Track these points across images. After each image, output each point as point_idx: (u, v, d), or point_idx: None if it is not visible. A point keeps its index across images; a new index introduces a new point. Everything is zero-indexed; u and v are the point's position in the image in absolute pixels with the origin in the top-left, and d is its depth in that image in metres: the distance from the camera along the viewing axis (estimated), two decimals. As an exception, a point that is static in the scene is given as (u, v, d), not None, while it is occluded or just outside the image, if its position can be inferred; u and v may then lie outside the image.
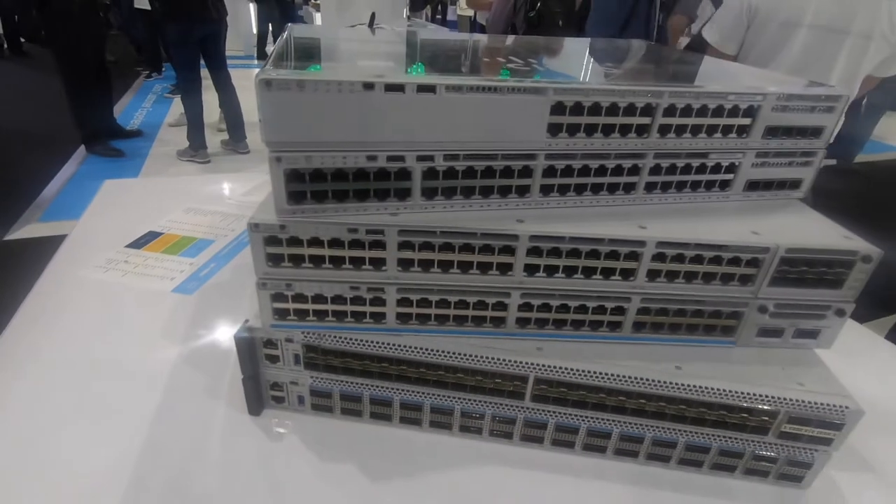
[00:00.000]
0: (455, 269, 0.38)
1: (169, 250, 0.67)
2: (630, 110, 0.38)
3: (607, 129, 0.38)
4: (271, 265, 0.38)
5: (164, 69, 5.25)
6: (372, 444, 0.43)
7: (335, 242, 0.37)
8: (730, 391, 0.38)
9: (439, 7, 9.53)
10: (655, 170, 0.41)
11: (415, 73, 0.37)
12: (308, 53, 0.47)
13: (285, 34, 0.48)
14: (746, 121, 0.40)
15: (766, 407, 0.38)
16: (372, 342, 0.40)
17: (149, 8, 4.49)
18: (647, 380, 0.39)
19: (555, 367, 0.39)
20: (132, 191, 0.85)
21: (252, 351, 0.42)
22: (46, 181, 2.97)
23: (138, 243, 0.68)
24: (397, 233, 0.37)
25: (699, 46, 1.46)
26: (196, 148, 3.31)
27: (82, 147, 3.38)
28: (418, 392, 0.42)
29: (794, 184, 0.45)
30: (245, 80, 5.71)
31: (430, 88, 0.34)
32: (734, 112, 0.40)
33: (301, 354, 0.42)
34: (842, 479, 0.43)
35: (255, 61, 6.19)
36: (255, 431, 0.44)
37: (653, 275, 0.39)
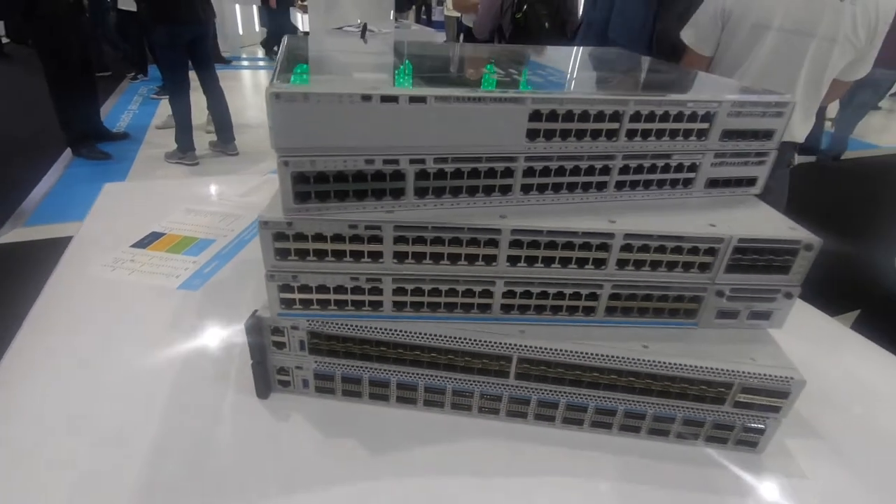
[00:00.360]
0: (445, 261, 0.43)
1: (172, 249, 0.71)
2: (600, 117, 0.42)
3: (580, 134, 0.42)
4: (279, 259, 0.42)
5: (149, 71, 5.22)
6: (371, 423, 0.47)
7: (337, 237, 0.41)
8: (691, 366, 0.43)
9: (423, 8, 9.56)
10: (624, 170, 0.45)
11: (407, 85, 0.41)
12: (314, 66, 0.50)
13: (283, 45, 0.52)
14: (705, 125, 0.45)
15: (722, 379, 0.43)
16: (371, 328, 0.44)
17: (134, 9, 4.47)
18: (618, 357, 0.43)
19: (536, 348, 0.44)
20: (132, 193, 0.88)
21: (260, 338, 0.46)
22: (32, 185, 2.95)
23: (142, 243, 0.72)
24: (393, 228, 0.41)
25: None
26: (184, 150, 3.31)
27: (68, 150, 3.36)
28: (413, 373, 0.46)
29: (750, 181, 0.50)
30: (232, 81, 5.68)
31: (421, 99, 0.38)
32: (693, 118, 0.44)
33: (306, 340, 0.46)
34: (793, 446, 0.48)
35: (244, 62, 6.22)
36: (263, 413, 0.48)
37: (622, 264, 0.44)
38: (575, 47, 0.71)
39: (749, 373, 0.43)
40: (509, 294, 0.44)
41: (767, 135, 0.48)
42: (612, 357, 0.43)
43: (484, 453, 0.46)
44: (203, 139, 3.57)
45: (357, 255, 0.42)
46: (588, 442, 0.47)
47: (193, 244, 0.72)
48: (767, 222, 0.46)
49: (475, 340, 0.44)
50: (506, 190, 0.43)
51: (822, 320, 0.69)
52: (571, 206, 0.45)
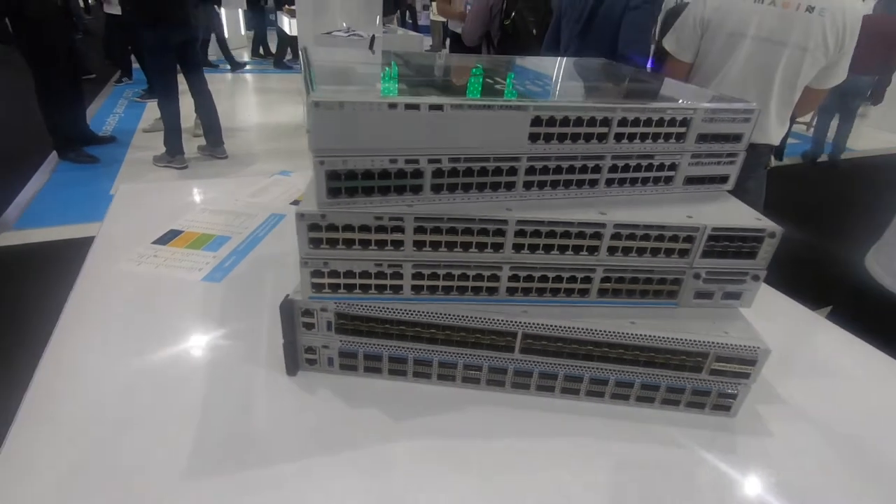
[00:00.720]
0: (458, 249, 0.48)
1: (192, 245, 0.75)
2: (591, 122, 0.48)
3: (575, 137, 0.49)
4: (312, 247, 0.47)
5: (133, 74, 5.19)
6: (390, 396, 0.53)
7: (364, 228, 0.47)
8: (672, 338, 0.49)
9: (408, 13, 9.62)
10: (613, 168, 0.52)
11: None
12: (341, 77, 0.56)
13: (306, 57, 0.58)
14: (682, 130, 0.52)
15: (699, 349, 0.50)
16: (392, 309, 0.50)
17: (118, 13, 4.45)
18: (610, 332, 0.50)
19: (538, 324, 0.50)
20: (147, 195, 0.92)
21: (292, 319, 0.51)
22: (18, 189, 2.93)
23: (163, 240, 0.76)
24: (413, 220, 0.47)
25: None
26: (173, 154, 3.32)
27: (54, 154, 3.34)
28: (429, 350, 0.52)
29: (723, 178, 0.57)
30: (220, 85, 5.66)
31: (438, 107, 0.44)
32: (672, 123, 0.51)
33: (333, 321, 0.51)
34: (762, 410, 0.55)
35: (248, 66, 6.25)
36: (293, 388, 0.53)
37: (612, 250, 0.50)
38: (567, 58, 0.78)
39: (722, 344, 0.49)
40: (514, 278, 0.50)
41: (737, 138, 0.54)
42: (604, 332, 0.50)
43: (491, 420, 0.51)
44: (191, 143, 3.57)
45: (381, 244, 0.48)
46: (584, 409, 0.53)
47: (211, 241, 0.77)
48: (737, 214, 0.52)
49: (484, 319, 0.50)
50: (511, 186, 0.49)
51: (795, 309, 0.76)
52: (568, 200, 0.51)
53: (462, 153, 0.47)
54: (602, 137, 0.49)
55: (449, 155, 0.46)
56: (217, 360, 0.55)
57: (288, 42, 6.22)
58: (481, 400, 0.53)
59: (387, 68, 0.62)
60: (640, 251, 0.50)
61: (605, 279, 0.51)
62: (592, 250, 0.50)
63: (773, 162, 1.69)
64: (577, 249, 0.50)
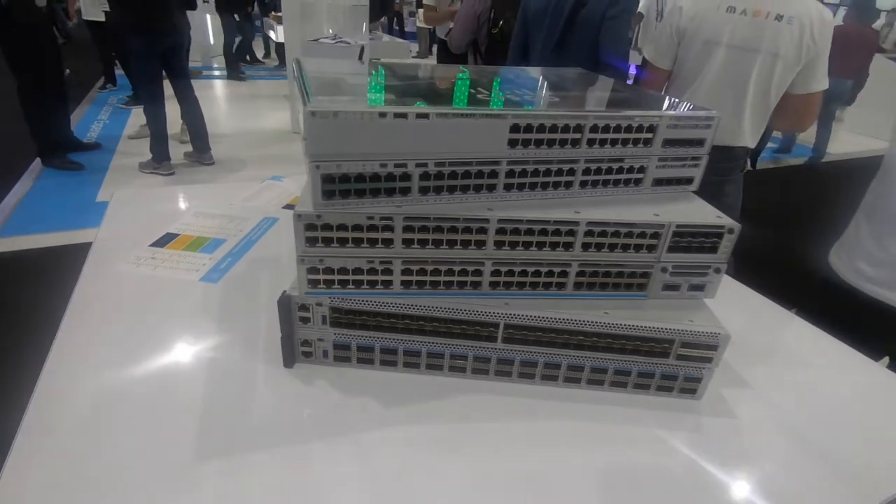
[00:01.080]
0: (444, 246, 0.52)
1: (188, 248, 0.78)
2: (566, 129, 0.53)
3: (550, 142, 0.53)
4: (308, 245, 0.51)
5: (118, 80, 5.16)
6: (382, 385, 0.56)
7: (356, 227, 0.50)
8: (642, 326, 0.54)
9: (395, 19, 9.69)
10: (586, 171, 0.56)
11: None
12: (334, 87, 0.60)
13: (300, 68, 0.61)
14: (649, 135, 0.56)
15: (666, 336, 0.54)
16: (383, 303, 0.54)
17: (101, 20, 4.44)
18: (585, 321, 0.54)
19: (519, 315, 0.54)
20: (141, 200, 0.95)
21: (289, 313, 0.54)
22: (1, 196, 2.91)
23: (160, 243, 0.79)
24: (402, 220, 0.51)
25: None
26: (160, 160, 3.32)
27: (37, 161, 3.32)
28: (417, 341, 0.56)
29: (688, 180, 0.61)
30: (206, 91, 5.64)
31: (424, 116, 0.48)
32: (640, 129, 0.55)
33: (327, 315, 0.54)
34: (726, 394, 0.60)
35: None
36: (290, 379, 0.56)
37: (586, 246, 0.54)
38: (547, 69, 0.83)
39: (687, 330, 0.54)
40: (496, 273, 0.54)
41: (700, 142, 0.59)
42: (580, 322, 0.54)
43: (477, 406, 0.55)
44: (178, 149, 3.57)
45: (372, 242, 0.51)
46: (562, 395, 0.57)
47: (207, 243, 0.80)
48: (700, 212, 0.57)
49: (469, 311, 0.54)
50: (492, 188, 0.53)
51: (763, 303, 0.81)
52: (545, 200, 0.55)
53: (447, 158, 0.51)
54: (576, 143, 0.54)
55: (435, 159, 0.50)
56: (217, 355, 0.58)
57: (245, 49, 6.25)
58: (467, 387, 0.57)
59: (373, 78, 0.65)
60: (612, 247, 0.55)
61: (580, 273, 0.56)
62: (568, 246, 0.54)
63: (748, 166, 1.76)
64: (554, 246, 0.54)
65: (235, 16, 5.98)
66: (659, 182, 0.60)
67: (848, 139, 5.54)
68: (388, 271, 0.53)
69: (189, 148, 3.55)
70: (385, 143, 0.48)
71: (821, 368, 0.68)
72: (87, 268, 0.72)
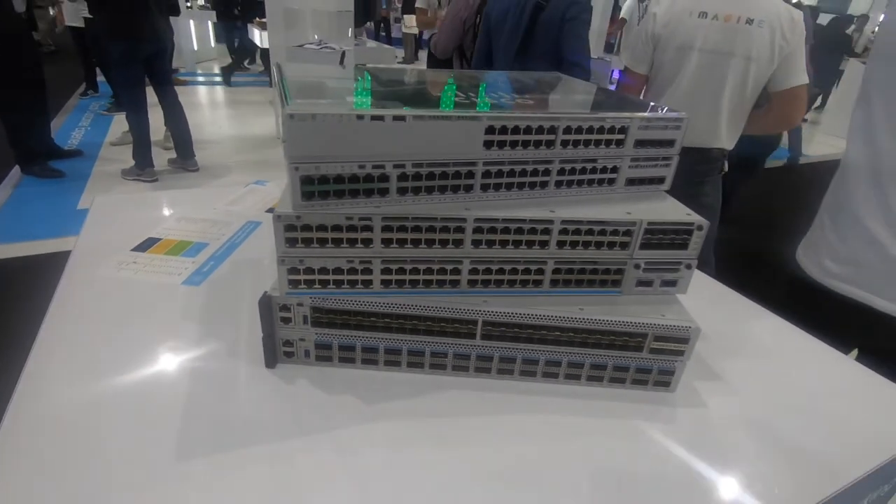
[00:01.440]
0: (423, 245, 0.53)
1: (171, 252, 0.78)
2: (540, 130, 0.54)
3: (525, 144, 0.54)
4: (288, 246, 0.52)
5: (98, 86, 5.11)
6: (364, 383, 0.57)
7: (336, 228, 0.51)
8: (616, 321, 0.55)
9: (382, 25, 9.72)
10: (561, 171, 0.57)
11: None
12: (313, 91, 0.61)
13: (280, 73, 0.62)
14: (621, 136, 0.58)
15: (640, 331, 0.56)
16: (363, 302, 0.55)
17: (80, 25, 4.39)
18: (561, 317, 0.55)
19: (497, 312, 0.55)
20: (123, 205, 0.95)
21: (270, 314, 0.55)
22: (-21, 204, 2.86)
23: (142, 247, 0.79)
24: (381, 220, 0.52)
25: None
26: (142, 167, 3.29)
27: (16, 168, 3.27)
28: (398, 339, 0.57)
29: (660, 180, 0.63)
30: (191, 97, 5.60)
31: (401, 118, 0.49)
32: (612, 130, 0.57)
33: (309, 315, 0.55)
34: (698, 386, 0.61)
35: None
36: (272, 379, 0.57)
37: (561, 244, 0.56)
38: (526, 73, 0.84)
39: (659, 325, 0.56)
40: (474, 271, 0.56)
41: (670, 143, 0.61)
42: (556, 317, 0.55)
43: (458, 403, 0.56)
44: (161, 155, 3.54)
45: (352, 242, 0.52)
46: (541, 389, 0.59)
47: (189, 247, 0.80)
48: (670, 210, 0.59)
49: (448, 308, 0.55)
50: (469, 188, 0.55)
51: (736, 298, 0.83)
52: (521, 200, 0.57)
53: (424, 159, 0.52)
54: (550, 144, 0.55)
55: (412, 161, 0.51)
56: (199, 356, 0.59)
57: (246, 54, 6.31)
58: (448, 384, 0.58)
59: (359, 83, 0.67)
60: (586, 244, 0.56)
61: (556, 270, 0.57)
62: (543, 245, 0.55)
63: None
64: (530, 244, 0.55)
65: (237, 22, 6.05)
66: (632, 182, 0.62)
67: (825, 141, 5.69)
68: (368, 271, 0.54)
69: (173, 154, 3.53)
70: (363, 145, 0.49)
71: (790, 361, 0.70)
72: (66, 273, 0.72)
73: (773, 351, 0.72)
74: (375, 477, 0.47)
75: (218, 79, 6.28)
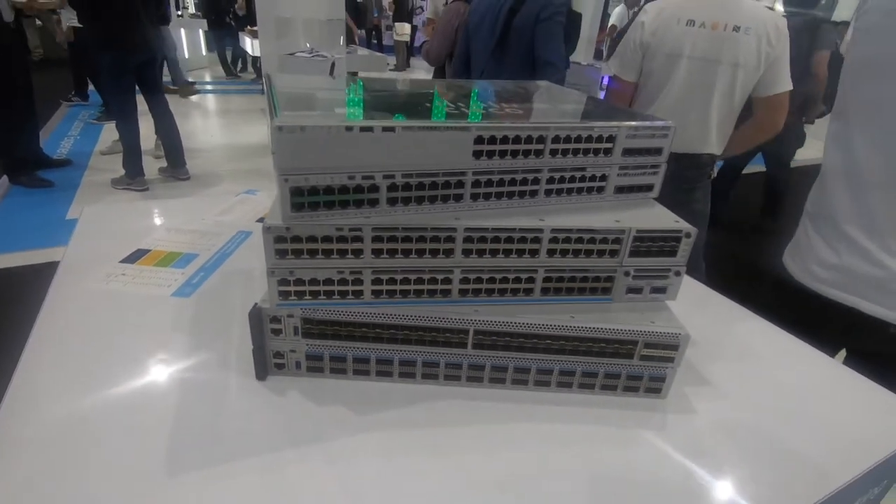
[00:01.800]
0: (413, 255, 0.53)
1: (160, 263, 0.78)
2: (529, 140, 0.55)
3: (514, 153, 0.55)
4: (278, 258, 0.51)
5: (89, 95, 5.08)
6: (355, 394, 0.57)
7: (326, 239, 0.51)
8: (607, 328, 0.56)
9: (374, 33, 9.75)
10: (550, 180, 0.58)
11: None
12: (302, 102, 0.61)
13: (269, 83, 0.62)
14: (609, 145, 0.58)
15: (630, 338, 0.56)
16: (354, 312, 0.54)
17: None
18: (552, 325, 0.55)
19: (488, 321, 0.55)
20: (111, 216, 0.94)
21: (261, 326, 0.55)
22: (-34, 215, 2.83)
23: (131, 259, 0.78)
24: (371, 230, 0.52)
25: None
26: (133, 176, 3.27)
27: (4, 178, 3.24)
28: (389, 350, 0.57)
29: (648, 187, 0.64)
30: (181, 106, 5.59)
31: (391, 129, 0.49)
32: (600, 139, 0.58)
33: (299, 326, 0.55)
34: (688, 391, 0.62)
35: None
36: (263, 391, 0.56)
37: (551, 253, 0.56)
38: (508, 81, 0.85)
39: (649, 332, 0.56)
40: (465, 280, 0.56)
41: (658, 151, 0.62)
42: (548, 326, 0.55)
43: (450, 412, 0.56)
44: (152, 164, 3.52)
45: (342, 253, 0.52)
46: (532, 397, 0.59)
47: (179, 258, 0.80)
48: (659, 218, 0.59)
49: (439, 318, 0.55)
50: (459, 198, 0.55)
51: (725, 303, 0.84)
52: (510, 209, 0.57)
53: (414, 169, 0.52)
54: (539, 153, 0.56)
55: (402, 171, 0.52)
56: (189, 369, 0.58)
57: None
58: (440, 394, 0.58)
59: (351, 92, 0.67)
60: (576, 253, 0.57)
61: (547, 279, 0.57)
62: (533, 253, 0.56)
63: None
64: (520, 253, 0.55)
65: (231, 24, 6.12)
66: (620, 189, 0.62)
67: (817, 146, 5.74)
68: (359, 281, 0.54)
69: (164, 163, 3.51)
70: (353, 156, 0.49)
71: (779, 364, 0.71)
72: (54, 285, 0.71)
73: (762, 354, 0.73)
74: (368, 488, 0.47)
75: (210, 87, 6.26)
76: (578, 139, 0.57)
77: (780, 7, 3.12)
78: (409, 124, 0.50)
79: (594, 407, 0.58)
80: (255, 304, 0.54)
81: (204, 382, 0.57)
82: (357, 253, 0.53)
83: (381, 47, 8.69)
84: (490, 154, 0.54)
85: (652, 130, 0.60)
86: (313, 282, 0.53)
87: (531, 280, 0.57)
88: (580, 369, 0.58)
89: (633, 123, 0.59)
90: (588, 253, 0.57)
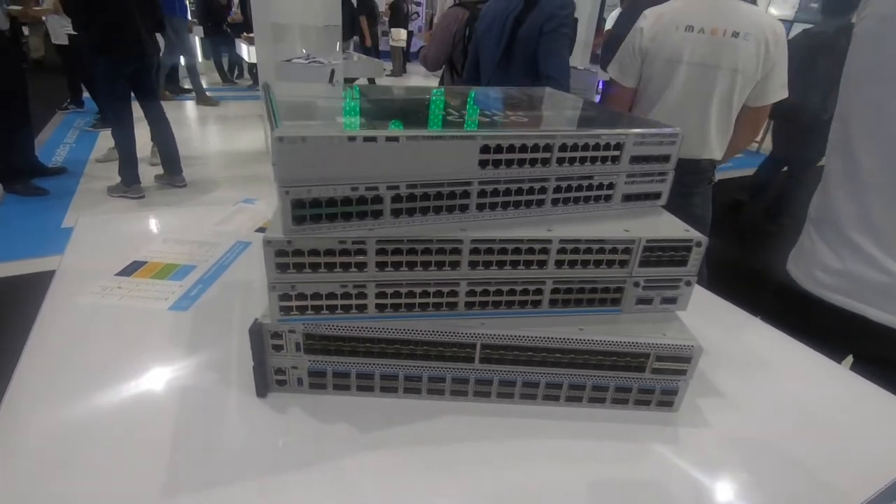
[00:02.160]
0: (418, 268, 0.52)
1: (157, 276, 0.76)
2: (535, 148, 0.53)
3: (521, 162, 0.53)
4: (279, 272, 0.50)
5: (84, 102, 5.06)
6: (359, 411, 0.55)
7: (328, 252, 0.50)
8: (617, 341, 0.54)
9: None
10: (557, 189, 0.57)
11: (383, 128, 0.51)
12: (303, 112, 0.59)
13: (268, 92, 0.61)
14: (617, 153, 0.57)
15: (641, 350, 0.55)
16: (358, 327, 0.53)
17: (65, 43, 4.36)
18: (561, 338, 0.54)
19: (495, 335, 0.53)
20: (107, 226, 0.92)
21: (261, 342, 0.53)
22: (-40, 224, 2.80)
23: (127, 271, 0.76)
24: (375, 243, 0.50)
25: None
26: (129, 183, 3.25)
27: (-1, 186, 3.21)
28: (394, 365, 0.55)
29: (656, 195, 0.63)
30: (176, 113, 5.57)
31: (394, 139, 0.48)
32: (608, 147, 0.56)
33: (301, 342, 0.53)
34: (701, 403, 0.60)
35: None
36: (264, 408, 0.54)
37: (559, 264, 0.55)
38: (512, 87, 0.84)
39: (661, 344, 0.54)
40: (471, 293, 0.54)
41: (665, 158, 0.60)
42: (557, 338, 0.54)
43: (457, 428, 0.55)
44: (148, 172, 3.50)
45: (345, 266, 0.51)
46: (542, 412, 0.57)
47: (176, 270, 0.78)
48: (668, 226, 0.58)
49: (445, 332, 0.53)
50: (464, 208, 0.53)
51: (732, 311, 0.82)
52: (517, 219, 0.56)
53: (418, 180, 0.51)
54: (545, 162, 0.54)
55: (406, 182, 0.50)
56: (187, 386, 0.56)
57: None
58: (446, 410, 0.56)
59: (348, 100, 0.65)
60: (585, 263, 0.55)
61: (555, 290, 0.56)
62: (541, 264, 0.54)
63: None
64: (528, 264, 0.54)
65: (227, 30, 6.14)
66: (628, 198, 0.61)
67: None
68: (363, 295, 0.52)
69: (160, 170, 3.49)
70: (355, 166, 0.48)
71: (789, 373, 0.70)
72: (48, 299, 0.69)
73: (771, 362, 0.71)
74: (373, 511, 0.45)
75: (207, 93, 6.25)
76: (586, 147, 0.55)
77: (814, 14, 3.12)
78: (413, 133, 0.48)
79: (605, 421, 0.57)
80: (256, 319, 0.53)
81: (203, 400, 0.55)
82: (360, 266, 0.51)
83: (377, 53, 8.70)
84: (496, 163, 0.52)
85: (660, 137, 0.59)
86: (316, 296, 0.52)
87: (539, 292, 0.56)
88: (590, 383, 0.57)
89: (641, 130, 0.58)
90: (597, 263, 0.55)
